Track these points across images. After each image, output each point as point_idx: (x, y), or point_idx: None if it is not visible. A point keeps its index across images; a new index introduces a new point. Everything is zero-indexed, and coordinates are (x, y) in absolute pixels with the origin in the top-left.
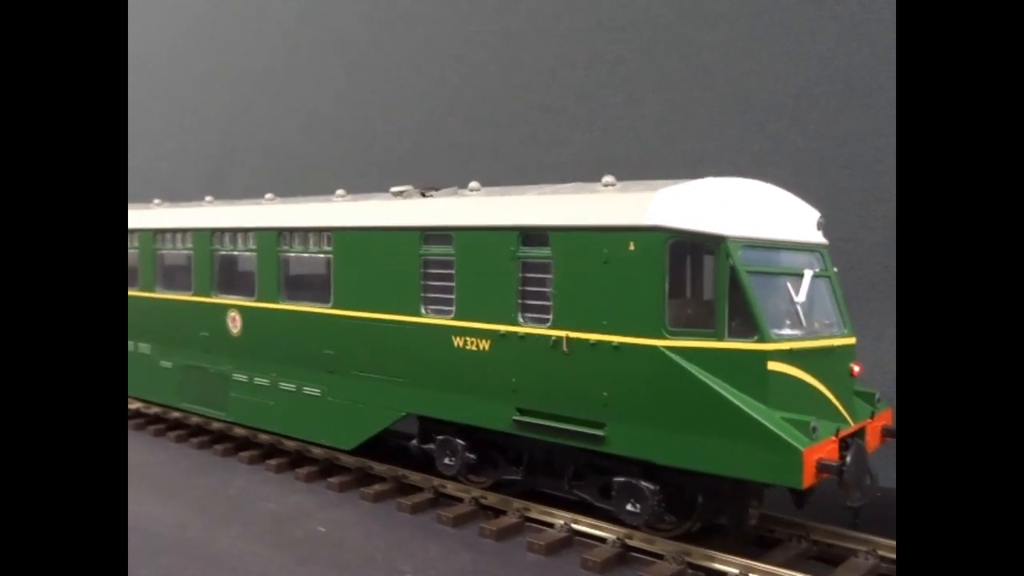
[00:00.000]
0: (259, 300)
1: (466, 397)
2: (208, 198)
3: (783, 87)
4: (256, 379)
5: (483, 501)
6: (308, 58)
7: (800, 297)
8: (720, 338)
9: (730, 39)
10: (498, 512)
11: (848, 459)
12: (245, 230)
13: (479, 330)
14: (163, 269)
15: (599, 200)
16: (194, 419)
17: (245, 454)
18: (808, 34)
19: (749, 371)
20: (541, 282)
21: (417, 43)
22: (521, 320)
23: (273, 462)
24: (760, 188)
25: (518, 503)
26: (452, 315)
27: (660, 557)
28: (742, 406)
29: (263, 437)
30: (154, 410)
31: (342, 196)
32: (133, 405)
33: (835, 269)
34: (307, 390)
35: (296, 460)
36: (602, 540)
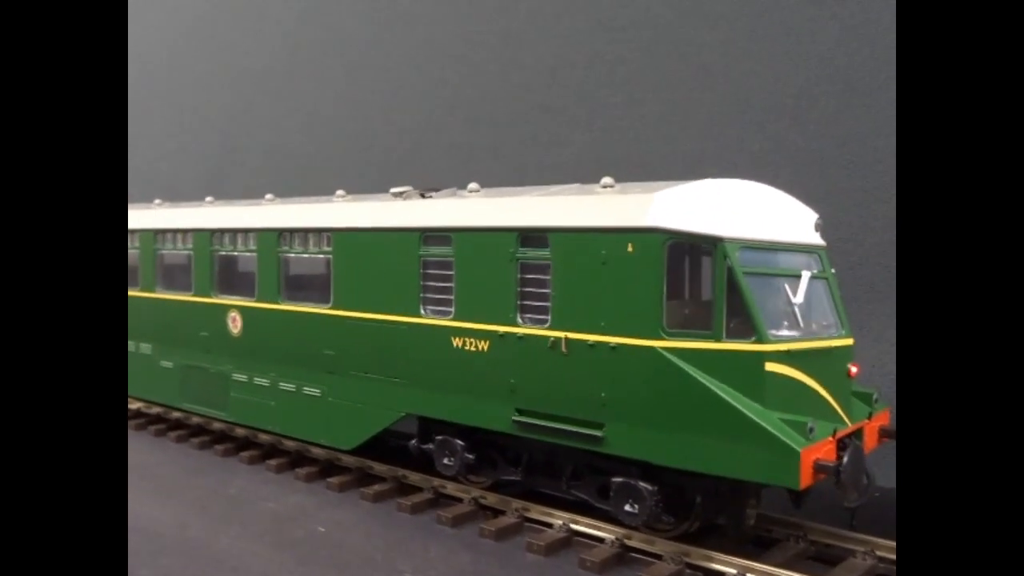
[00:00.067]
0: (259, 300)
1: (465, 397)
2: (208, 198)
3: (783, 87)
4: (256, 379)
5: (482, 501)
6: (308, 58)
7: (798, 298)
8: (718, 339)
9: (730, 39)
10: (497, 512)
11: (845, 459)
12: (245, 231)
13: (478, 331)
14: (163, 269)
15: (598, 201)
16: (195, 419)
17: (245, 454)
18: (808, 34)
19: (747, 372)
20: (540, 283)
21: (417, 43)
22: (520, 321)
23: (273, 462)
24: (758, 189)
25: (517, 503)
26: (451, 316)
27: (659, 557)
28: (739, 407)
29: (263, 437)
30: (155, 410)
31: (342, 197)
32: (134, 405)
33: (833, 270)
34: (307, 390)
35: (296, 460)
36: (601, 540)
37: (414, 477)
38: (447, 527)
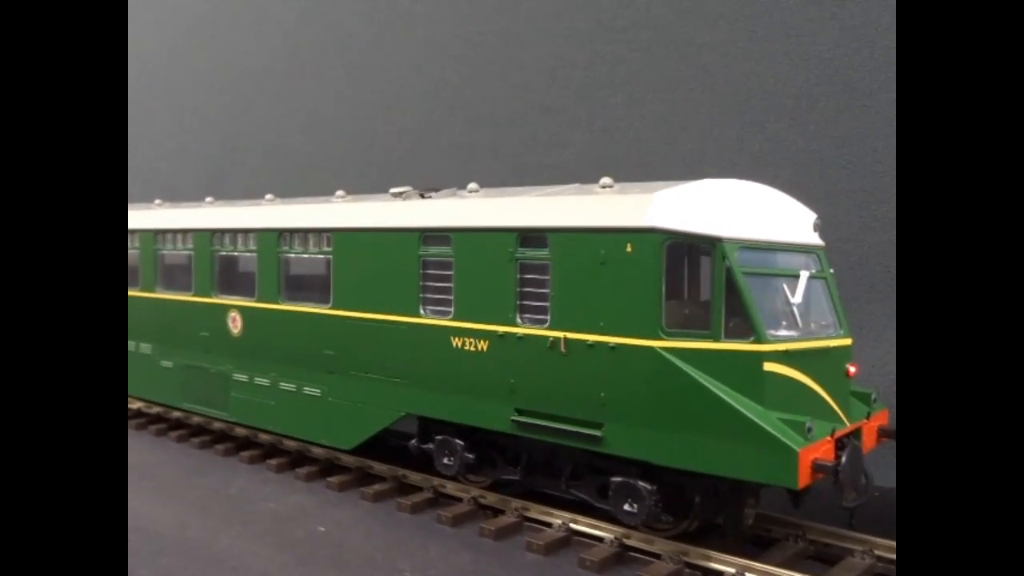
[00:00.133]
0: (259, 300)
1: (465, 397)
2: (208, 198)
3: (783, 87)
4: (257, 379)
5: (482, 501)
6: (308, 58)
7: (796, 298)
8: (716, 339)
9: (730, 39)
10: (497, 512)
11: (843, 459)
12: (245, 231)
13: (478, 331)
14: (164, 269)
15: (597, 202)
16: (195, 419)
17: (246, 454)
18: (808, 35)
19: (745, 372)
20: (539, 283)
21: (417, 43)
22: (519, 321)
23: (273, 462)
24: (757, 190)
25: (517, 503)
26: (451, 316)
27: (658, 557)
28: (738, 407)
29: (264, 437)
30: (155, 410)
31: (342, 197)
32: (134, 405)
33: (831, 270)
34: (307, 390)
35: (296, 460)
36: (600, 540)
37: (414, 477)
38: (447, 527)
